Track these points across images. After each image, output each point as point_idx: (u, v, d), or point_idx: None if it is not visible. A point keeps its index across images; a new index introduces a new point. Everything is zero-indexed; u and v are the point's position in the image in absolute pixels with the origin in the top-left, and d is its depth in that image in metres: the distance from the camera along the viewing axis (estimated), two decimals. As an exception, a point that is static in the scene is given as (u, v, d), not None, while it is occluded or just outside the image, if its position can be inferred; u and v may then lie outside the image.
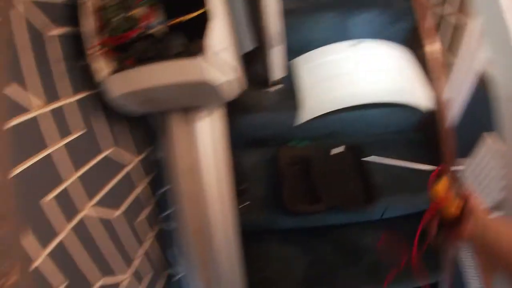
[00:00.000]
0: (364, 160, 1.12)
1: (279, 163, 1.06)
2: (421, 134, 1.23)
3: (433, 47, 1.17)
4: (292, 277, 1.10)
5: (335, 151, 1.13)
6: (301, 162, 1.11)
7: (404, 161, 1.13)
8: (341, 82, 1.08)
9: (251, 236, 1.16)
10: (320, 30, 1.20)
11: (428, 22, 1.19)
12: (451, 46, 2.20)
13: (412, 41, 1.25)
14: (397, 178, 1.12)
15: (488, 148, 1.80)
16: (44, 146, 0.60)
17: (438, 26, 1.24)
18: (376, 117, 1.15)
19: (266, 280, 1.09)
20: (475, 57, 1.95)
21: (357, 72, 1.11)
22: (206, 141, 0.95)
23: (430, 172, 1.16)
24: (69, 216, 0.64)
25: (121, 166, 0.87)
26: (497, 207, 0.93)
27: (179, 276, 1.12)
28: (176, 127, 0.94)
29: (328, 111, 1.07)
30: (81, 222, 0.67)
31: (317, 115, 1.07)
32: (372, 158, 1.13)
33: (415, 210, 1.19)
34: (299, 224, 1.14)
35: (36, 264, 0.54)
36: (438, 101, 1.15)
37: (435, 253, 1.19)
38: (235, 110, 1.09)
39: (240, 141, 1.16)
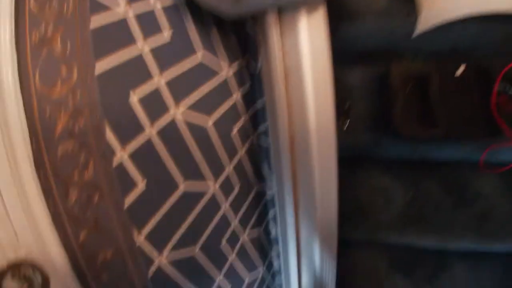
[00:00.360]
0: (493, 85, 0.91)
1: (390, 79, 0.90)
2: None
3: None
4: (390, 211, 0.98)
5: (459, 71, 0.93)
6: (418, 81, 0.93)
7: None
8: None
9: (350, 161, 1.05)
10: None
11: None
12: None
13: None
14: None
15: None
16: (132, 42, 0.55)
17: None
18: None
19: (361, 210, 0.99)
20: None
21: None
22: (305, 44, 0.83)
23: None
24: (157, 116, 0.60)
25: (214, 72, 0.80)
26: None
27: (269, 193, 1.07)
28: (271, 30, 0.83)
29: (456, 18, 0.86)
30: (170, 123, 0.63)
31: (441, 23, 0.87)
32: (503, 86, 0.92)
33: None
34: (405, 154, 0.99)
35: (117, 160, 0.51)
36: None
37: None
38: (338, 15, 0.94)
39: (343, 54, 1.00)
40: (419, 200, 0.99)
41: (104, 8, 0.53)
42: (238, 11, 0.77)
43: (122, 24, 0.55)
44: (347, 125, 0.93)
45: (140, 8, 0.59)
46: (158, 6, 0.64)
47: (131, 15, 0.57)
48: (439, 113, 0.87)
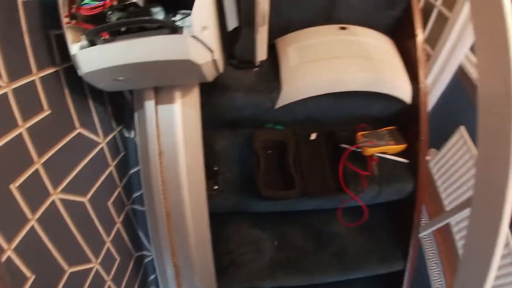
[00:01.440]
0: (340, 148, 1.11)
1: (254, 145, 1.04)
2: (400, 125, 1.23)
3: (419, 38, 1.15)
4: (261, 260, 1.11)
5: (312, 137, 1.11)
6: (277, 146, 1.09)
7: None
8: (326, 67, 1.05)
9: (221, 218, 1.15)
10: (306, 11, 1.16)
11: (417, 12, 1.16)
12: (432, 37, 2.21)
13: (399, 30, 1.23)
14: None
15: (461, 143, 1.86)
16: (7, 128, 0.54)
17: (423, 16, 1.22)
18: (356, 105, 1.13)
19: (234, 262, 1.09)
20: (455, 50, 1.98)
21: (342, 58, 1.07)
22: (179, 121, 0.91)
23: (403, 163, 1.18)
24: (37, 203, 0.60)
25: (91, 147, 0.82)
26: (464, 204, 0.94)
27: (150, 257, 1.11)
28: (149, 107, 0.89)
29: (309, 96, 1.05)
30: (49, 208, 0.63)
31: (297, 99, 1.05)
32: (348, 146, 1.13)
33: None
34: (270, 209, 1.14)
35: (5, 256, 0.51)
36: (419, 93, 1.14)
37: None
38: (212, 89, 1.05)
39: (215, 122, 1.12)
40: (285, 247, 1.14)
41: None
42: (115, 89, 0.81)
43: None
44: (216, 187, 1.03)
45: (20, 87, 0.58)
46: (39, 86, 0.63)
47: (10, 95, 0.56)
48: (294, 176, 1.03)
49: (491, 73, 0.83)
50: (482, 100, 0.83)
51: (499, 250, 0.75)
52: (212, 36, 0.70)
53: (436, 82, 2.07)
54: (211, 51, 0.71)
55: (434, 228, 1.24)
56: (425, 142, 1.15)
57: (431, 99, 2.16)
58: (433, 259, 2.06)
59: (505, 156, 0.70)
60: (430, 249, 2.11)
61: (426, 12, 2.17)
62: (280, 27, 1.19)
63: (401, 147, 1.14)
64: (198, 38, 0.66)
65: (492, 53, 0.74)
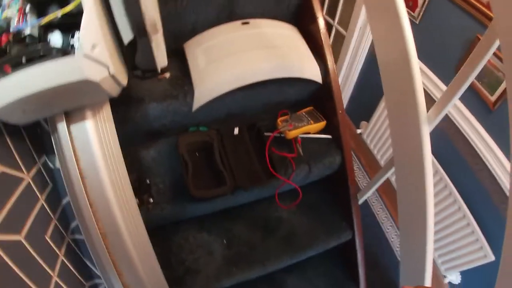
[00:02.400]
0: (264, 137, 1.15)
1: (179, 150, 1.04)
2: (317, 104, 1.30)
3: (320, 21, 1.22)
4: (214, 261, 1.11)
5: (235, 131, 1.14)
6: (203, 147, 1.10)
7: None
8: (232, 63, 1.08)
9: (167, 229, 1.14)
10: (208, 12, 1.18)
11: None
12: (344, 20, 2.36)
13: (301, 16, 1.30)
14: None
15: (385, 111, 2.00)
16: None
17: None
18: (271, 93, 1.18)
19: (189, 270, 1.09)
20: (367, 28, 2.13)
21: (248, 51, 1.11)
22: (95, 141, 0.89)
23: (326, 139, 1.25)
24: None
25: (16, 184, 0.78)
26: (390, 164, 1.03)
27: (103, 285, 1.07)
28: (62, 132, 0.87)
29: (222, 93, 1.07)
30: None
31: (211, 98, 1.06)
32: (270, 134, 1.17)
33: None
34: (211, 209, 1.15)
35: None
36: (328, 72, 1.21)
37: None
38: (128, 105, 1.04)
39: (138, 136, 1.11)
40: (234, 243, 1.15)
41: None
42: (28, 120, 0.78)
43: None
44: (151, 201, 1.02)
45: None
46: None
47: None
48: (225, 172, 1.05)
49: (384, 44, 0.92)
50: (382, 67, 0.91)
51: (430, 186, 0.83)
52: (104, 52, 0.70)
53: (354, 61, 2.21)
54: (106, 66, 0.70)
55: (370, 193, 1.33)
56: (342, 115, 1.23)
57: (353, 76, 2.30)
58: (383, 214, 2.21)
59: (411, 107, 0.79)
60: (378, 206, 2.27)
61: (335, -3, 2.31)
62: (187, 31, 1.21)
63: (321, 124, 1.20)
64: (90, 56, 0.66)
65: (384, 26, 0.83)
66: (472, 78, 0.73)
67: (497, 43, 0.65)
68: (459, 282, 1.87)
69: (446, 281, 1.90)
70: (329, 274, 1.44)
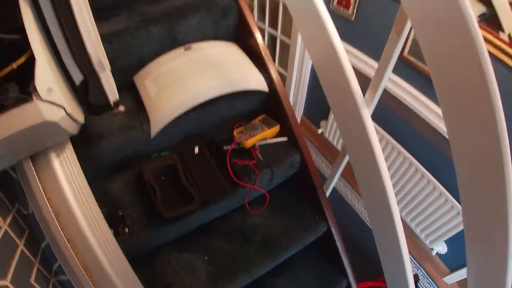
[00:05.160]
0: (223, 150, 1.21)
1: (145, 177, 1.08)
2: (269, 112, 1.39)
3: (257, 36, 1.32)
4: (198, 278, 1.14)
5: (196, 151, 1.19)
6: (167, 170, 1.15)
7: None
8: (181, 87, 1.15)
9: (148, 257, 1.16)
10: (152, 44, 1.25)
11: (248, 14, 1.33)
12: (286, 29, 2.49)
13: (240, 34, 1.39)
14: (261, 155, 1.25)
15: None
16: None
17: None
18: (222, 109, 1.25)
19: (177, 292, 1.11)
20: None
21: (194, 74, 1.18)
22: (62, 177, 0.93)
23: (284, 142, 1.33)
24: None
25: None
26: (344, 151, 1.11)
27: None
28: (31, 176, 0.90)
29: (176, 116, 1.13)
30: None
31: (167, 122, 1.12)
32: (229, 146, 1.23)
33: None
34: (186, 229, 1.18)
35: None
36: (273, 80, 1.30)
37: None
38: (89, 142, 1.07)
39: (104, 171, 1.15)
40: (216, 257, 1.19)
41: None
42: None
43: None
44: (127, 231, 1.04)
45: None
46: None
47: None
48: (192, 189, 1.10)
49: (312, 42, 1.01)
50: (316, 65, 0.99)
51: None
52: (59, 94, 0.75)
53: (302, 66, 2.34)
54: (62, 107, 0.76)
55: (334, 182, 1.41)
56: (293, 117, 1.32)
57: (305, 81, 2.43)
58: (352, 197, 2.31)
59: (348, 96, 0.86)
60: (347, 191, 2.37)
61: (274, 9, 2.45)
62: (135, 65, 1.27)
63: (275, 129, 1.28)
64: (46, 100, 0.71)
65: (308, 25, 0.91)
66: (394, 58, 0.83)
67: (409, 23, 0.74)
68: (446, 251, 1.97)
69: (434, 253, 2.00)
70: (316, 269, 1.49)
